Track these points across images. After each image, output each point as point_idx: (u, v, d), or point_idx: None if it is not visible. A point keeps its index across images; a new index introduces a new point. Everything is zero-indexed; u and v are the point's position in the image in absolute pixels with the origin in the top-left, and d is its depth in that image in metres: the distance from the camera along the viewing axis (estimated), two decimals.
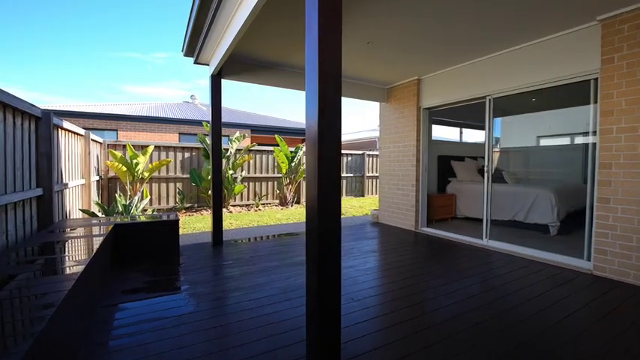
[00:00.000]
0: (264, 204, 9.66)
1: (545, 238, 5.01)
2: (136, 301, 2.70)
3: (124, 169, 7.14)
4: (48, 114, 3.55)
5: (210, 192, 8.15)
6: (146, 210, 7.75)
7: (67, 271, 2.04)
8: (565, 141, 8.52)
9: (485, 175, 4.75)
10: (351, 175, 11.82)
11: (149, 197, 8.05)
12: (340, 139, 1.74)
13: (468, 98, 4.98)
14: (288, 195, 9.65)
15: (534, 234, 5.19)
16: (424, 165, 5.81)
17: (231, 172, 8.69)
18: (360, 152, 12.16)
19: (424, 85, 5.67)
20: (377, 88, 6.31)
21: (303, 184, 10.57)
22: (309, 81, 1.74)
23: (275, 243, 4.89)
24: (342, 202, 10.39)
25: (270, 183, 10.06)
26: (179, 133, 12.64)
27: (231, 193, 8.66)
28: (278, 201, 9.95)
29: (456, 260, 4.04)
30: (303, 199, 10.50)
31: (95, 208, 5.79)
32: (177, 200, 8.57)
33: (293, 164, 9.69)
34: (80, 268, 2.03)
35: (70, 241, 2.84)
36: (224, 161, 8.86)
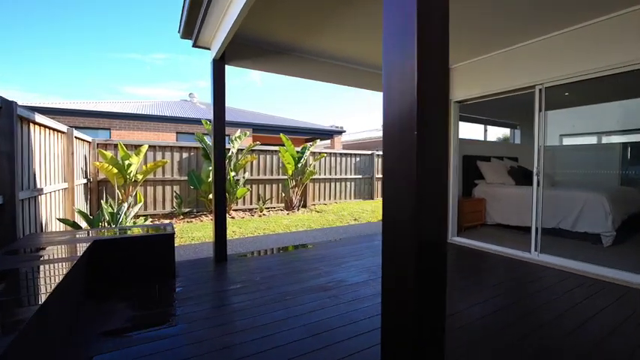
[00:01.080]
0: (268, 208, 8.95)
1: (598, 249, 4.33)
2: (118, 349, 1.99)
3: (115, 170, 6.41)
4: (10, 104, 2.82)
5: (210, 196, 7.44)
6: (139, 217, 7.03)
7: (9, 318, 1.33)
8: (591, 140, 7.85)
9: (535, 178, 4.06)
10: (360, 176, 11.12)
11: (143, 202, 7.34)
12: (447, 138, 1.06)
13: (512, 89, 4.29)
14: (294, 198, 8.95)
15: (584, 245, 4.50)
16: (455, 166, 5.12)
17: (232, 174, 7.98)
18: (369, 152, 11.47)
19: (456, 75, 4.98)
20: None
21: (310, 187, 9.88)
22: (393, 48, 1.04)
23: (288, 258, 4.18)
24: (351, 205, 9.70)
25: (274, 185, 9.35)
26: (177, 133, 11.91)
27: (233, 197, 7.94)
28: (283, 205, 9.24)
29: (504, 279, 3.34)
30: (309, 203, 9.80)
31: (79, 217, 5.06)
32: (174, 205, 7.85)
33: (299, 165, 8.98)
34: (29, 314, 1.32)
35: (29, 266, 2.12)
36: (225, 162, 8.14)
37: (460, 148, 6.08)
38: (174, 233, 3.34)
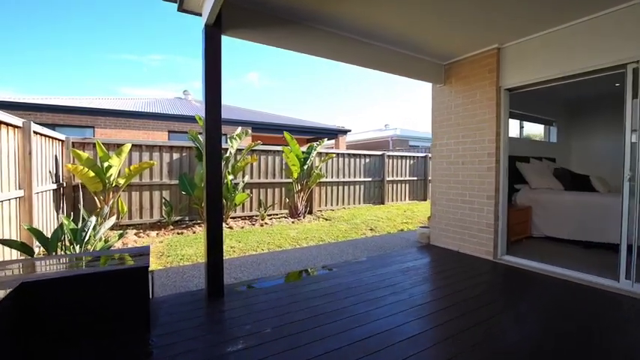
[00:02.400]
0: (270, 216, 7.96)
1: None
2: None
3: (91, 174, 5.41)
4: None
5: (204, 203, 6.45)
6: (121, 228, 6.02)
7: None
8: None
9: (627, 184, 3.11)
10: (369, 179, 10.17)
11: (126, 211, 6.33)
12: None
13: (589, 69, 3.35)
14: (299, 204, 7.97)
15: None
16: (505, 169, 4.17)
17: (230, 177, 6.99)
18: (379, 153, 10.52)
19: (507, 57, 4.04)
20: (430, 63, 4.67)
21: (316, 191, 8.90)
22: None
23: (305, 289, 3.20)
24: (361, 212, 8.74)
25: (277, 190, 8.36)
26: (169, 132, 10.89)
27: (232, 204, 6.95)
28: (287, 211, 8.26)
29: (597, 326, 2.38)
30: (315, 209, 8.82)
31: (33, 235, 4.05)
32: (163, 213, 6.84)
33: (305, 167, 8.01)
34: None
35: None
36: (222, 163, 7.16)
37: None
38: (149, 265, 2.35)
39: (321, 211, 9.01)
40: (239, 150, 7.72)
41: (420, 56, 4.50)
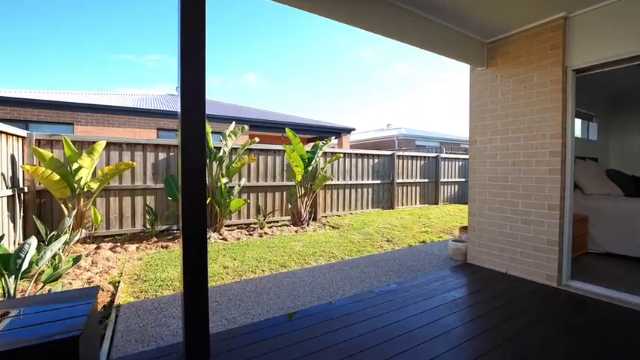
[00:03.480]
0: (270, 223, 7.05)
1: None
2: None
3: (56, 177, 4.49)
4: None
5: None
6: (97, 239, 5.08)
7: None
8: None
9: None
10: (378, 181, 9.29)
11: (101, 220, 5.39)
12: None
13: None
14: (302, 210, 7.07)
15: None
16: (572, 172, 3.29)
17: (225, 180, 6.08)
18: (389, 153, 9.64)
19: (577, 28, 3.17)
20: (470, 40, 3.79)
21: (321, 195, 8.00)
22: None
23: (329, 339, 2.29)
24: (371, 217, 7.85)
25: (277, 194, 7.46)
26: (157, 129, 9.94)
27: (226, 211, 6.04)
28: (289, 218, 7.35)
29: None
30: (320, 215, 7.93)
31: None
32: (146, 222, 5.91)
33: (310, 168, 7.11)
34: None
35: None
36: (215, 165, 6.26)
37: None
38: (81, 333, 1.43)
39: (326, 217, 8.11)
40: (234, 149, 6.81)
41: (459, 29, 3.62)
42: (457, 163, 11.49)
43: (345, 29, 62.83)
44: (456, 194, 11.45)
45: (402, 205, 9.90)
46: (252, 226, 6.82)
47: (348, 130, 13.67)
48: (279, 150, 7.47)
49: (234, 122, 6.75)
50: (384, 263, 4.25)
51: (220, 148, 6.29)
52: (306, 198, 7.16)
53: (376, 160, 9.33)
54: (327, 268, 4.07)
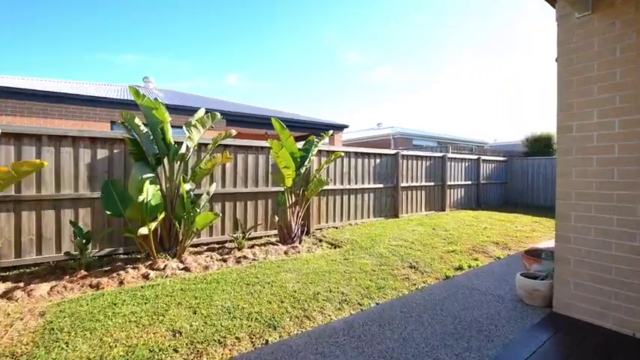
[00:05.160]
0: (252, 240, 5.45)
1: None
2: None
3: None
4: None
5: (145, 229, 3.88)
6: None
7: None
8: None
9: None
10: (380, 185, 7.85)
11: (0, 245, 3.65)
12: None
13: None
14: (293, 224, 5.51)
15: None
16: None
17: (188, 185, 4.45)
18: (392, 152, 8.23)
19: None
20: None
21: (315, 202, 6.49)
22: None
23: None
24: (375, 230, 6.42)
25: (261, 203, 5.88)
26: (111, 122, 8.11)
27: (190, 228, 4.40)
28: (275, 232, 5.79)
29: None
30: (313, 227, 6.41)
31: None
32: (74, 245, 4.20)
33: (303, 170, 5.58)
34: None
35: None
36: (176, 166, 4.62)
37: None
38: None
39: (321, 229, 6.59)
40: (203, 145, 5.18)
41: None
42: (464, 163, 10.24)
43: (332, 29, 61.55)
44: (463, 199, 10.19)
45: (407, 212, 8.50)
46: (227, 245, 5.20)
47: (341, 128, 12.20)
48: (262, 147, 5.89)
49: (203, 109, 5.12)
50: (428, 316, 2.76)
51: (182, 143, 4.66)
52: (297, 207, 5.61)
53: (378, 161, 7.89)
54: (344, 329, 2.54)
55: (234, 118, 9.81)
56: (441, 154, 9.47)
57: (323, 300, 3.12)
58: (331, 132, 6.19)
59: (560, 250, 2.72)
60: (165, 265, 4.05)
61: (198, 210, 4.36)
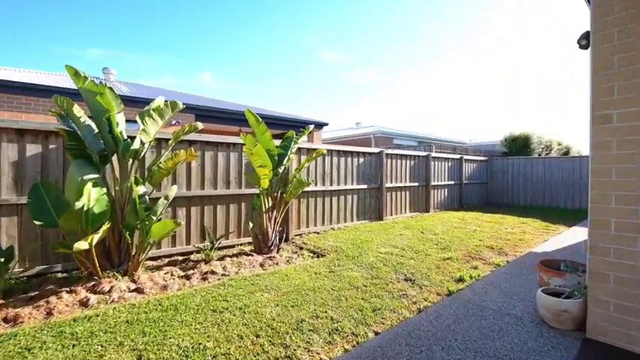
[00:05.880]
0: (223, 250, 4.74)
1: None
2: None
3: None
4: None
5: (85, 243, 3.09)
6: None
7: None
8: None
9: None
10: (364, 186, 7.34)
11: None
12: None
13: None
14: (270, 231, 4.85)
15: None
16: None
17: (142, 188, 3.69)
18: (377, 150, 7.74)
19: None
20: None
21: (294, 205, 5.87)
22: None
23: None
24: (360, 234, 5.90)
25: (233, 207, 5.18)
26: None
27: (146, 240, 3.63)
28: (250, 240, 5.10)
29: None
30: (293, 233, 5.79)
31: None
32: None
33: (281, 169, 4.94)
34: None
35: None
36: (128, 164, 3.84)
37: None
38: None
39: (301, 235, 5.96)
40: (163, 141, 4.42)
41: None
42: (447, 163, 9.96)
43: (310, 29, 60.89)
44: (446, 199, 9.90)
45: (392, 214, 8.04)
46: (193, 258, 4.47)
47: (321, 125, 11.62)
48: (235, 143, 5.19)
49: (161, 97, 4.35)
50: (441, 350, 2.21)
51: (133, 138, 3.89)
52: (275, 212, 4.95)
53: (361, 160, 7.37)
54: None
55: (204, 113, 8.96)
56: (425, 154, 9.11)
57: (309, 330, 2.51)
58: (312, 126, 5.58)
59: (595, 264, 2.26)
60: (112, 287, 3.29)
61: (154, 217, 3.60)
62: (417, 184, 8.79)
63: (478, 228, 6.72)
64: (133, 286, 3.39)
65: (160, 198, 3.89)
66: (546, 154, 14.46)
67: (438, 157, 9.65)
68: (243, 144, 4.40)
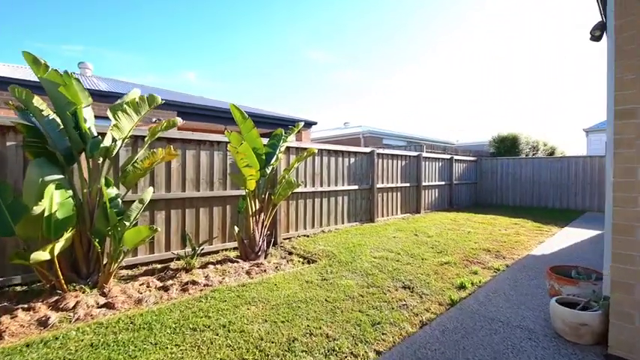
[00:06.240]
0: (206, 256, 4.39)
1: None
2: None
3: None
4: None
5: (51, 248, 2.71)
6: None
7: None
8: None
9: None
10: (355, 187, 7.09)
11: None
12: None
13: None
14: (257, 235, 4.52)
15: None
16: None
17: (114, 191, 3.33)
18: (367, 150, 7.51)
19: None
20: None
21: (283, 207, 5.58)
22: None
23: None
24: (352, 237, 5.66)
25: (217, 209, 4.83)
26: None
27: (119, 248, 3.26)
28: (235, 245, 4.77)
29: None
30: (281, 237, 5.49)
31: None
32: None
33: (269, 170, 4.63)
34: None
35: None
36: (98, 164, 3.45)
37: None
38: None
39: (290, 239, 5.66)
40: (139, 138, 4.05)
41: None
42: (437, 163, 9.83)
43: (297, 29, 60.46)
44: (437, 200, 9.77)
45: (383, 215, 7.83)
46: (172, 266, 4.10)
47: (310, 125, 11.35)
48: (219, 142, 4.85)
49: (137, 90, 3.96)
50: None
51: (104, 134, 3.51)
52: (262, 215, 4.64)
53: (352, 160, 7.12)
54: None
55: (187, 110, 8.54)
56: (416, 154, 8.95)
57: (302, 351, 2.21)
58: (302, 123, 5.28)
59: (618, 273, 2.05)
60: (78, 302, 2.90)
61: (127, 223, 3.23)
62: (408, 184, 8.61)
63: (472, 230, 6.57)
64: (102, 301, 3.01)
65: (134, 203, 3.51)
66: (533, 154, 14.59)
67: (429, 158, 9.50)
68: (228, 142, 4.07)
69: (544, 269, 4.03)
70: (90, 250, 3.33)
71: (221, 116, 9.14)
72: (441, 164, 9.98)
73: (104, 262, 3.36)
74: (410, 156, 8.78)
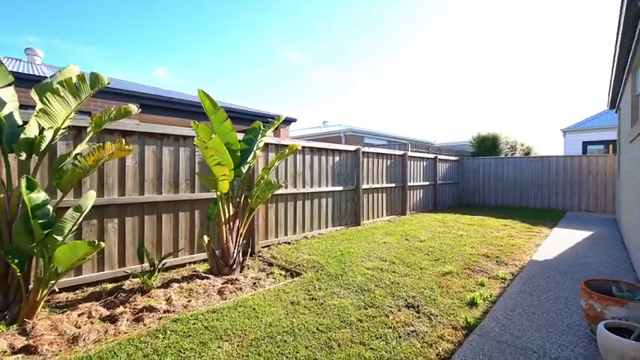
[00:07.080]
0: (170, 271, 3.67)
1: None
2: None
3: None
4: None
5: None
6: None
7: None
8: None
9: None
10: (340, 188, 6.54)
11: None
12: None
13: None
14: (231, 244, 3.85)
15: None
16: None
17: (40, 196, 2.55)
18: (353, 148, 6.98)
19: None
20: None
21: (261, 211, 4.94)
22: None
23: None
24: (339, 244, 5.11)
25: (183, 215, 4.11)
26: None
27: (49, 269, 2.50)
28: (205, 257, 4.08)
29: None
30: (259, 245, 4.86)
31: None
32: None
33: (246, 168, 3.97)
34: None
35: None
36: (22, 161, 2.67)
37: None
38: None
39: (269, 247, 5.02)
40: (83, 130, 3.28)
41: None
42: (422, 163, 9.49)
43: (272, 28, 59.22)
44: (422, 201, 9.43)
45: (369, 218, 7.34)
46: (127, 284, 3.36)
47: (289, 121, 10.70)
48: (185, 136, 4.14)
49: (75, 66, 3.18)
50: None
51: (28, 123, 2.73)
52: (237, 221, 3.97)
53: (337, 158, 6.57)
54: None
55: (152, 103, 7.65)
56: (401, 152, 8.54)
57: None
58: (283, 116, 4.65)
59: None
60: None
61: (58, 237, 2.48)
62: (393, 184, 8.18)
63: (464, 232, 6.20)
64: (21, 343, 2.27)
65: (68, 211, 2.75)
66: (512, 154, 14.71)
67: (414, 157, 9.14)
68: (197, 135, 3.38)
69: (555, 278, 3.66)
70: (8, 274, 2.56)
71: (191, 110, 8.32)
72: (425, 164, 9.66)
73: (29, 289, 2.59)
74: (395, 155, 8.36)
